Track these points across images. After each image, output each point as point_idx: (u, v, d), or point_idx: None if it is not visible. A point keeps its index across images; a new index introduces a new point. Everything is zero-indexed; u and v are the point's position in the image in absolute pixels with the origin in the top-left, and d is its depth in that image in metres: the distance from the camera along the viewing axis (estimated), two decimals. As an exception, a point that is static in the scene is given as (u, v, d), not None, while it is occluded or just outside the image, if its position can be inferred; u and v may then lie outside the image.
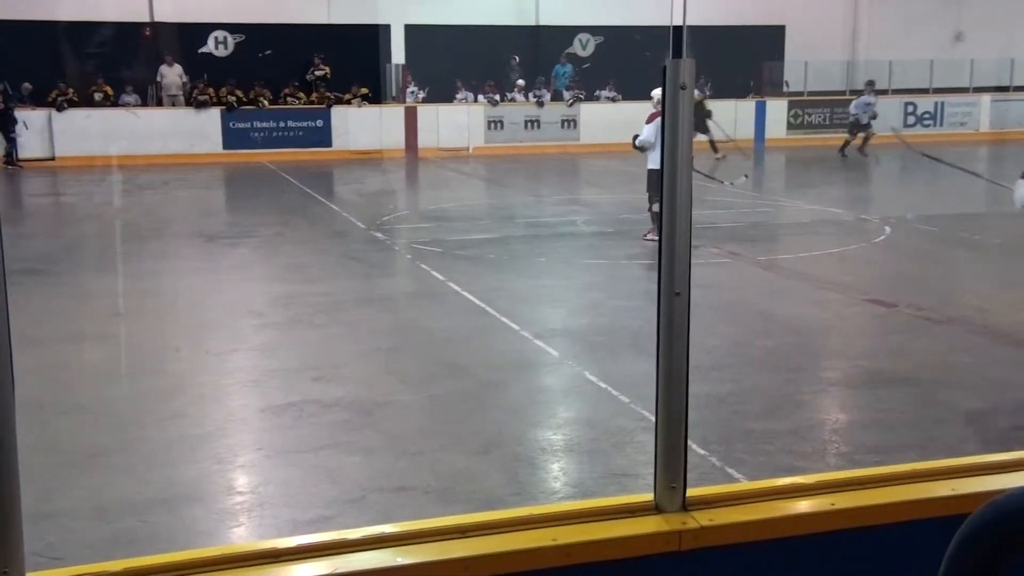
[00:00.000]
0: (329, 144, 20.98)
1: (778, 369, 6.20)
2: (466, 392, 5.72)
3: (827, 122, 23.69)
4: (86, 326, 7.39)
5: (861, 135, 19.73)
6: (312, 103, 21.30)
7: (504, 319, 7.31)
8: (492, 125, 22.16)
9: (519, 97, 22.68)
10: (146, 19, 21.03)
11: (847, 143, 19.80)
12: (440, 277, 8.81)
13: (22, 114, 19.39)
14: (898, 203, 14.37)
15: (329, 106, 21.16)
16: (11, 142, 19.21)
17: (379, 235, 11.42)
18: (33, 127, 19.45)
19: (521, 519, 1.66)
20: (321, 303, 7.89)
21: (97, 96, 20.14)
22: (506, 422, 5.31)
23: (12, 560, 1.40)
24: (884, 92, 24.30)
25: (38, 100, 19.64)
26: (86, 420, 5.33)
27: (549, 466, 4.76)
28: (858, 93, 21.21)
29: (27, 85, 19.52)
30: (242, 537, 4.00)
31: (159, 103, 20.99)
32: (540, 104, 22.43)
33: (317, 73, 21.59)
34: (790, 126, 23.77)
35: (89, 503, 4.26)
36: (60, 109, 19.52)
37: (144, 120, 20.00)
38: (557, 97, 22.82)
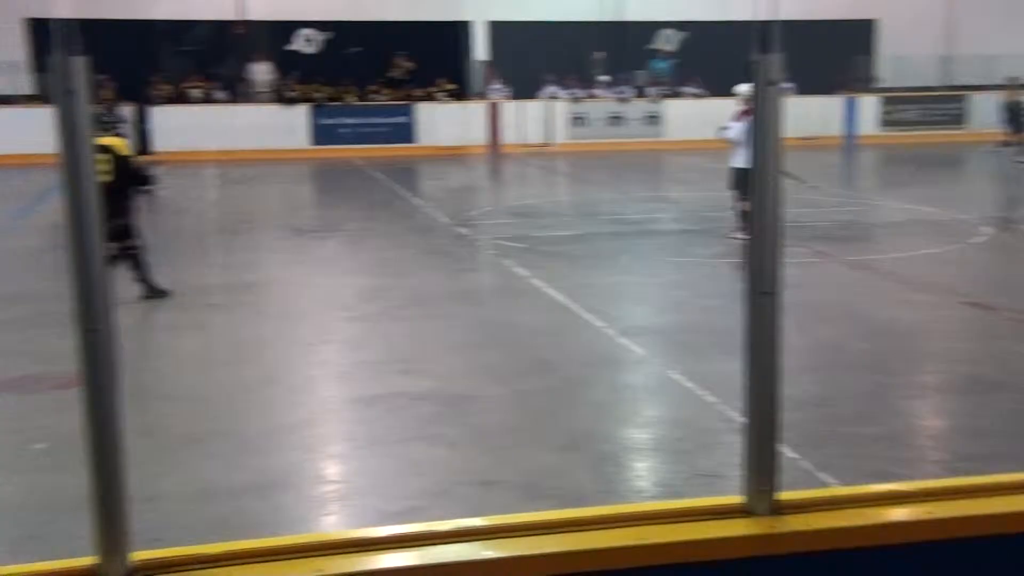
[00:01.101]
0: (414, 140, 21.22)
1: (872, 372, 6.04)
2: (551, 388, 5.72)
3: (922, 119, 22.98)
4: (181, 316, 7.61)
5: None
6: (397, 99, 21.57)
7: (589, 316, 7.28)
8: (576, 121, 22.10)
9: (603, 93, 22.57)
10: (237, 17, 21.55)
11: None
12: (524, 273, 8.83)
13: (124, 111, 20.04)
14: (997, 203, 13.87)
15: (414, 102, 21.39)
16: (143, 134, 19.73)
17: (463, 230, 11.50)
18: (128, 123, 20.10)
19: (608, 517, 1.65)
20: (407, 297, 7.98)
21: (196, 93, 20.70)
22: (592, 419, 5.30)
23: (119, 540, 1.45)
24: (982, 88, 23.46)
25: (134, 97, 20.25)
26: (182, 407, 5.48)
27: (635, 464, 4.73)
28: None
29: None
30: (332, 525, 4.06)
31: (248, 100, 21.51)
32: (624, 100, 22.28)
33: (401, 70, 21.85)
34: (883, 123, 23.14)
35: (187, 488, 4.39)
36: (156, 104, 20.11)
37: (236, 117, 20.51)
38: (641, 93, 22.64)
